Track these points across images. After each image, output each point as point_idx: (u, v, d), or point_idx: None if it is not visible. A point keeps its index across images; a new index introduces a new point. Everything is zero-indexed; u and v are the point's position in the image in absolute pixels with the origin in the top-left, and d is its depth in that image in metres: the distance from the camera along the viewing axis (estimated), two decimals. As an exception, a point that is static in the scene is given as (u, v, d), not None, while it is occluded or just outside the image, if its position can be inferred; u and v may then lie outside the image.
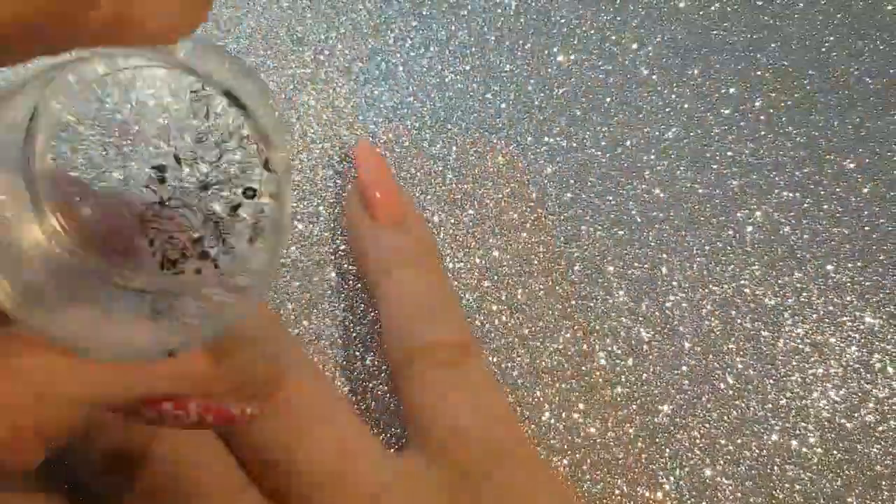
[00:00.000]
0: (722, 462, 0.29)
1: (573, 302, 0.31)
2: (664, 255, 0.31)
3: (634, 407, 0.30)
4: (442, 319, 0.28)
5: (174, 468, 0.24)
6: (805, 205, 0.32)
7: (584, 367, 0.30)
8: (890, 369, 0.30)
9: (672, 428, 0.30)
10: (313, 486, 0.24)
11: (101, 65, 0.23)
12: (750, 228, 0.31)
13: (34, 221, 0.23)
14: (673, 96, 0.32)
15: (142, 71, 0.23)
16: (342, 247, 0.31)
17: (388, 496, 0.24)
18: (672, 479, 0.29)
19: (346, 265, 0.31)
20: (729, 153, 0.32)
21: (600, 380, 0.30)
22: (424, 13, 0.33)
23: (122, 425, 0.23)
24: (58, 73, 0.22)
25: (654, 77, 0.33)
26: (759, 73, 0.33)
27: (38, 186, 0.23)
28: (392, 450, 0.29)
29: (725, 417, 0.30)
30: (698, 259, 0.31)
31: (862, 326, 0.31)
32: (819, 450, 0.29)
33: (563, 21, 0.33)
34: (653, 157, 0.32)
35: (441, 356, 0.27)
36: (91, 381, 0.19)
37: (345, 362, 0.30)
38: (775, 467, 0.29)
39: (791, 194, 0.32)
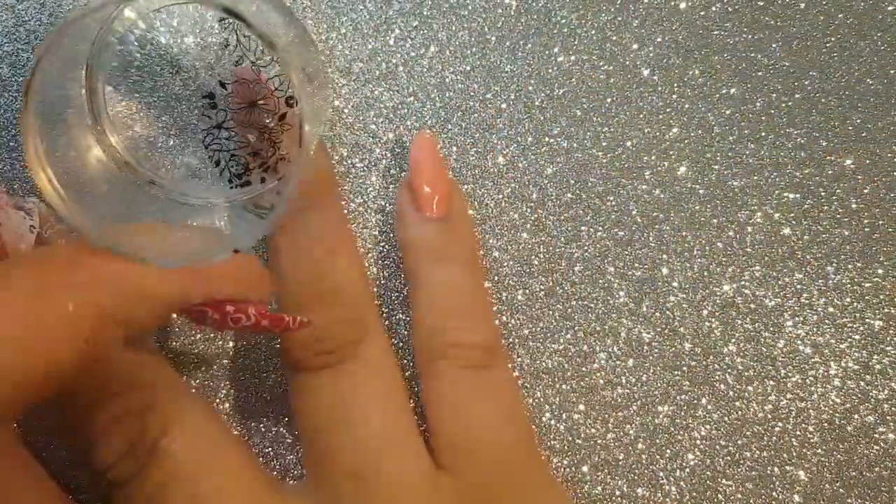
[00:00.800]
0: (722, 463, 0.29)
1: (573, 303, 0.31)
2: (665, 256, 0.31)
3: (635, 408, 0.30)
4: (473, 320, 0.28)
5: (181, 466, 0.24)
6: (806, 206, 0.32)
7: (584, 368, 0.30)
8: (890, 371, 0.30)
9: (672, 429, 0.30)
10: (345, 474, 0.25)
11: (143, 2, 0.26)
12: (750, 229, 0.31)
13: (95, 138, 0.26)
14: (674, 96, 0.32)
15: (175, 8, 0.27)
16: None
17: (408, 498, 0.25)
18: (672, 479, 0.29)
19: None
20: (730, 154, 0.32)
21: (601, 380, 0.30)
22: (425, 13, 0.33)
23: (140, 416, 0.24)
24: (115, 8, 0.25)
25: (654, 77, 0.33)
26: (759, 73, 0.33)
27: (97, 107, 0.26)
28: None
29: (726, 418, 0.30)
30: (699, 260, 0.31)
31: (862, 328, 0.31)
32: (819, 451, 0.29)
33: (563, 21, 0.33)
34: (653, 157, 0.32)
35: (469, 358, 0.27)
36: (170, 283, 0.23)
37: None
38: (776, 468, 0.29)
39: (792, 195, 0.32)
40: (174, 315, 0.24)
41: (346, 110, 0.32)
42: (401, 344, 0.30)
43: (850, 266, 0.31)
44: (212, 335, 0.30)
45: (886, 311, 0.31)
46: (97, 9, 0.23)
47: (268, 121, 0.27)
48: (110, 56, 0.27)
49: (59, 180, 0.23)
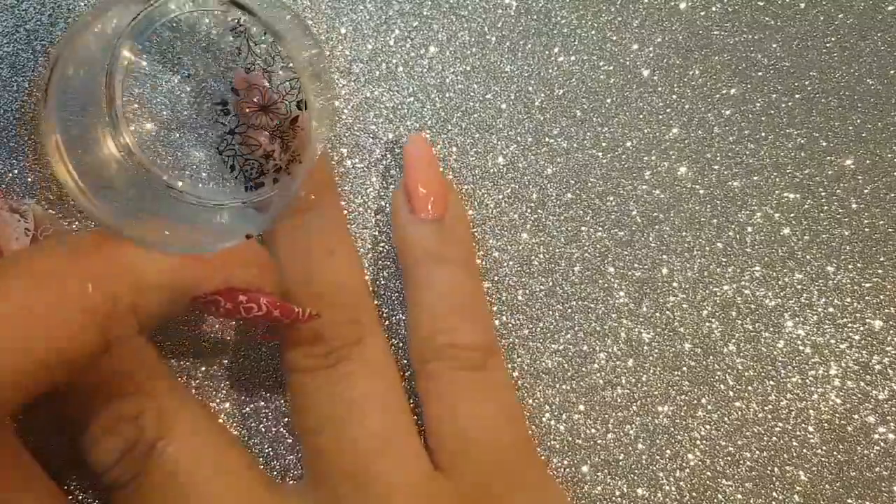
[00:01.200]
0: (722, 463, 0.29)
1: (573, 303, 0.31)
2: (664, 256, 0.31)
3: (635, 408, 0.30)
4: (471, 321, 0.28)
5: (179, 467, 0.24)
6: (805, 206, 0.32)
7: (584, 368, 0.30)
8: (890, 371, 0.30)
9: (672, 429, 0.30)
10: (344, 474, 0.25)
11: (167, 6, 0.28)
12: (750, 229, 0.31)
13: (112, 138, 0.26)
14: (674, 97, 0.32)
15: (190, 16, 0.28)
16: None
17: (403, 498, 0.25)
18: (672, 479, 0.29)
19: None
20: (729, 154, 0.32)
21: (600, 381, 0.30)
22: (425, 14, 0.33)
23: (138, 418, 0.24)
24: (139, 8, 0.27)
25: (654, 77, 0.33)
26: (759, 73, 0.33)
27: (115, 108, 0.26)
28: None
29: (726, 418, 0.30)
30: (699, 260, 0.31)
31: (862, 328, 0.31)
32: (819, 451, 0.29)
33: (563, 21, 0.33)
34: (653, 157, 0.32)
35: (466, 359, 0.27)
36: (183, 270, 0.23)
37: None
38: (775, 468, 0.29)
39: (792, 195, 0.32)
40: (186, 305, 0.24)
41: (345, 111, 0.32)
42: (401, 344, 0.30)
43: (850, 266, 0.31)
44: (211, 334, 0.30)
45: (886, 311, 0.31)
46: (111, 8, 0.23)
47: (279, 123, 0.27)
48: (129, 57, 0.27)
49: (78, 173, 0.24)
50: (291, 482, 0.30)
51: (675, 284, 0.31)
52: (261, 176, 0.27)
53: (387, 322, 0.30)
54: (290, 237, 0.27)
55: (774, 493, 0.29)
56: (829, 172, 0.32)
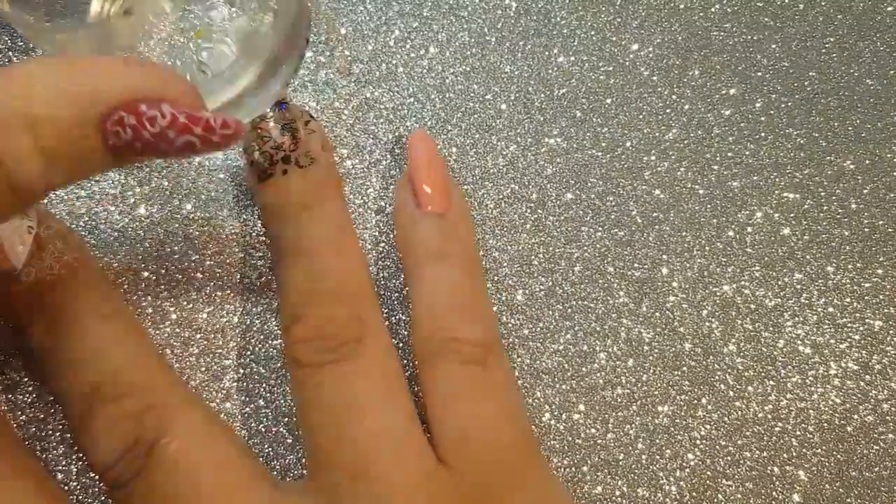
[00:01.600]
0: (722, 463, 0.29)
1: (573, 303, 0.31)
2: (664, 256, 0.31)
3: (635, 408, 0.30)
4: (472, 317, 0.28)
5: (180, 466, 0.24)
6: (805, 206, 0.32)
7: (584, 368, 0.30)
8: (890, 371, 0.30)
9: (672, 429, 0.30)
10: (345, 472, 0.25)
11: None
12: (750, 229, 0.31)
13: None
14: (673, 97, 0.32)
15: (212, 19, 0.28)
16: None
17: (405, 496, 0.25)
18: (672, 479, 0.29)
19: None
20: (729, 154, 0.32)
21: (600, 381, 0.30)
22: (425, 14, 0.33)
23: (139, 417, 0.24)
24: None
25: (654, 78, 0.33)
26: (759, 73, 0.33)
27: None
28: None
29: (726, 418, 0.30)
30: (698, 260, 0.31)
31: (862, 328, 0.31)
32: (819, 451, 0.29)
33: (563, 22, 0.33)
34: (653, 157, 0.32)
35: (467, 354, 0.27)
36: (79, 75, 0.20)
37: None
38: (776, 468, 0.29)
39: (791, 195, 0.32)
40: (96, 143, 0.21)
41: (345, 112, 0.32)
42: (401, 344, 0.30)
43: (850, 266, 0.31)
44: (212, 334, 0.30)
45: (886, 311, 0.31)
46: None
47: (293, 119, 0.28)
48: None
49: None
50: (292, 480, 0.30)
51: (675, 284, 0.31)
52: (271, 165, 0.28)
53: (387, 322, 0.30)
54: (294, 235, 0.27)
55: (774, 493, 0.29)
56: (829, 172, 0.32)
